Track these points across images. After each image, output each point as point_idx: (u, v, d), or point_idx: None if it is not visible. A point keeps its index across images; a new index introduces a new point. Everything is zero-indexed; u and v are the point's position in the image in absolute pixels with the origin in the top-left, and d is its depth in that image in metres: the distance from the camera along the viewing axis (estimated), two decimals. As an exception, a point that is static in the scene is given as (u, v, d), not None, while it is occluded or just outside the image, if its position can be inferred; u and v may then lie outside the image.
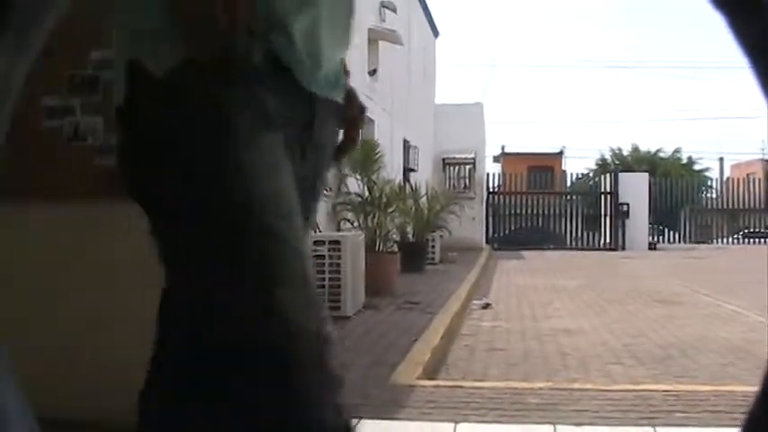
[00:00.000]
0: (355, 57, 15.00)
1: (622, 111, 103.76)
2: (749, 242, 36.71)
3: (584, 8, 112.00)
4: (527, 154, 48.91)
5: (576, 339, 9.18)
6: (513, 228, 33.57)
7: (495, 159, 47.87)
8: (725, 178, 48.64)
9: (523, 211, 33.71)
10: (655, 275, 18.29)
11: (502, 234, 32.64)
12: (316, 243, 9.49)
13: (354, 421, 4.80)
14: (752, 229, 38.20)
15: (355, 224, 12.92)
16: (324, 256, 9.33)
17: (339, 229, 12.72)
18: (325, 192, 9.48)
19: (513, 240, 30.96)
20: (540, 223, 34.10)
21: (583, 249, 30.81)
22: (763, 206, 38.30)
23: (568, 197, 35.40)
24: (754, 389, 4.74)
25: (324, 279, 9.27)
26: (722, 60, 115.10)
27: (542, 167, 45.25)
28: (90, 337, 4.53)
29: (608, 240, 31.20)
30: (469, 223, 25.37)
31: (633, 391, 5.73)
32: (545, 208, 34.11)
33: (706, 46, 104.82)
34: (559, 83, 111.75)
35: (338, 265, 9.31)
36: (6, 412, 0.75)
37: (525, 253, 26.54)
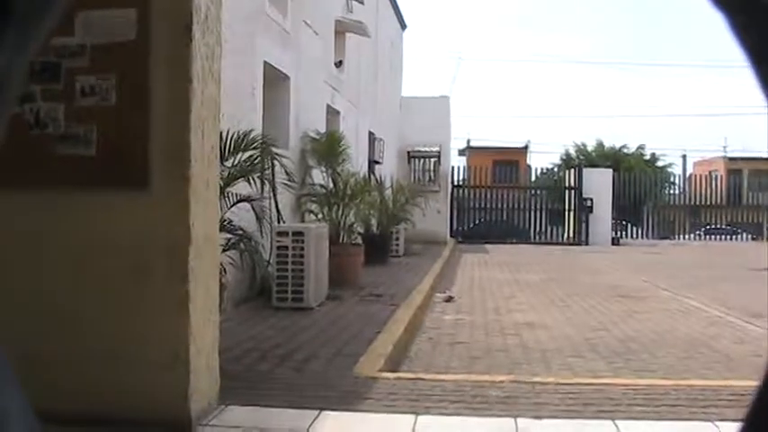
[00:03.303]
0: (322, 48, 14.95)
1: (588, 106, 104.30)
2: (710, 238, 37.05)
3: (552, 4, 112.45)
4: (492, 148, 49.06)
5: (538, 333, 9.21)
6: (477, 221, 33.63)
7: (461, 153, 48.03)
8: (687, 175, 49.06)
9: (488, 205, 33.77)
10: (617, 270, 18.42)
11: (466, 227, 32.71)
12: (279, 234, 9.47)
13: (316, 412, 4.80)
14: (713, 226, 38.57)
15: (319, 216, 12.89)
16: (287, 247, 9.30)
17: (303, 221, 12.69)
18: (290, 183, 9.41)
19: (478, 234, 31.03)
20: (505, 217, 34.19)
21: (546, 244, 30.92)
22: (724, 203, 38.69)
23: (533, 191, 35.55)
24: (712, 383, 4.78)
25: (287, 270, 9.25)
26: (689, 59, 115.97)
27: (507, 162, 45.45)
28: (47, 324, 4.49)
29: (571, 235, 31.35)
30: (434, 216, 25.41)
31: (593, 384, 5.76)
32: (509, 202, 34.21)
33: (674, 44, 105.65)
34: (525, 77, 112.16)
35: (301, 256, 9.28)
36: (6, 412, 0.74)
37: (489, 246, 26.63)
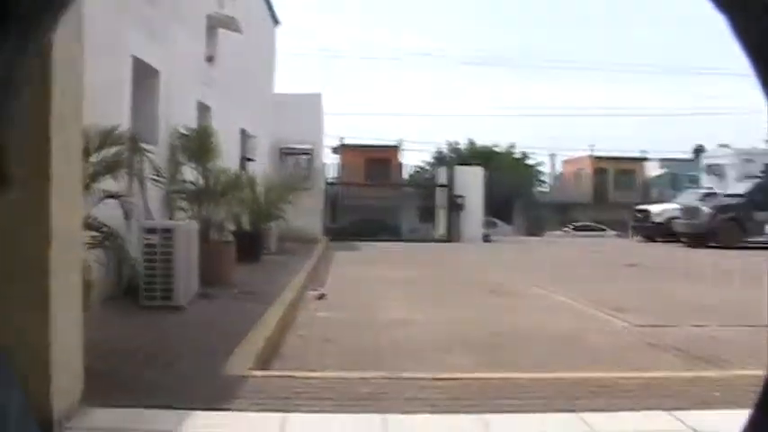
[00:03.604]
0: (193, 43, 14.75)
1: (460, 106, 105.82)
2: (578, 235, 38.08)
3: (425, 3, 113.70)
4: (365, 146, 49.18)
5: (409, 329, 9.28)
6: (350, 219, 33.76)
7: (334, 151, 48.00)
8: (556, 173, 50.28)
9: (361, 203, 33.95)
10: (488, 267, 18.72)
11: (339, 225, 32.79)
12: (148, 231, 9.30)
13: (184, 413, 4.73)
14: (580, 223, 39.66)
15: (190, 213, 12.70)
16: (156, 244, 9.14)
17: (173, 218, 12.48)
18: (159, 179, 9.28)
19: (351, 231, 31.14)
20: (378, 215, 34.42)
21: (419, 241, 31.23)
22: (591, 201, 39.82)
23: (405, 189, 35.89)
24: (579, 375, 4.88)
25: (155, 268, 9.09)
26: (559, 60, 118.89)
27: (380, 160, 45.67)
28: None
29: (443, 232, 31.74)
30: (307, 214, 25.37)
31: (463, 379, 5.84)
32: (382, 200, 34.50)
33: (544, 44, 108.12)
34: (398, 76, 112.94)
35: (170, 253, 9.12)
36: (6, 412, 0.71)
37: (362, 244, 26.73)
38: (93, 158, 7.86)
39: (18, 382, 0.73)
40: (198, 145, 13.43)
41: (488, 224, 34.42)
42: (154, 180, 10.24)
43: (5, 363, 0.76)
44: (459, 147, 56.02)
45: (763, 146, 50.69)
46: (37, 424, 0.80)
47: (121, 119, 9.90)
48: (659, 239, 31.00)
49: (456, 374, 6.12)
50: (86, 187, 6.75)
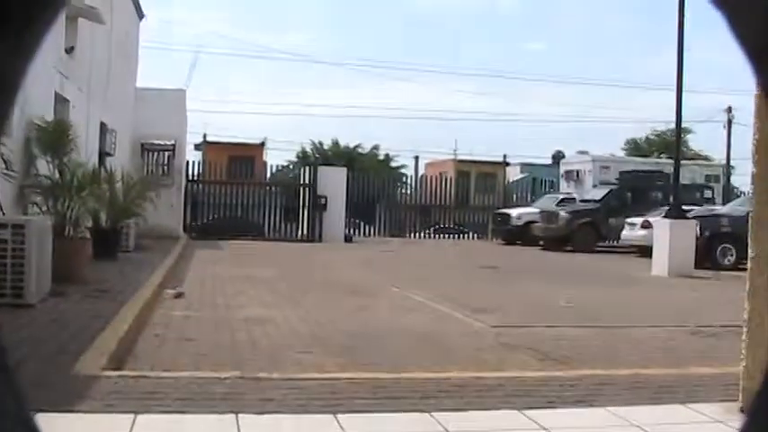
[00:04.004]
0: (51, 32, 14.31)
1: (326, 106, 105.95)
2: (439, 237, 38.58)
3: (290, 2, 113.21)
4: (229, 143, 48.74)
5: (267, 329, 9.25)
6: (212, 217, 33.36)
7: (197, 147, 47.39)
8: (419, 176, 50.83)
9: (223, 201, 33.57)
10: (348, 267, 18.80)
11: (201, 223, 32.37)
12: (-2, 226, 8.98)
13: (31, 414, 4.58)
14: (442, 225, 40.18)
15: (44, 208, 12.33)
16: (6, 240, 8.84)
17: (26, 213, 12.10)
18: (10, 173, 9.01)
19: (212, 229, 30.75)
20: (240, 213, 34.10)
21: (281, 240, 31.10)
22: (453, 203, 40.39)
23: (268, 188, 35.64)
24: (433, 375, 4.98)
25: (5, 265, 8.79)
26: (424, 63, 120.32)
27: (244, 157, 45.23)
28: None
29: (305, 232, 31.69)
30: (167, 211, 25.00)
31: (318, 379, 5.86)
32: (245, 198, 34.16)
33: (407, 48, 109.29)
34: (265, 73, 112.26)
35: (22, 250, 8.84)
36: (6, 412, 0.68)
37: (223, 242, 26.44)
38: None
39: (14, 377, 0.72)
40: (54, 138, 13.06)
41: (351, 224, 34.54)
42: (5, 173, 9.89)
43: (5, 363, 0.74)
44: (324, 147, 56.15)
45: (620, 153, 52.56)
46: (37, 424, 0.78)
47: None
48: (519, 242, 31.74)
49: (312, 374, 6.13)
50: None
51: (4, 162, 9.67)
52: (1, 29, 0.71)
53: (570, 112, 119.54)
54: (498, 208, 36.82)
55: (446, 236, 38.65)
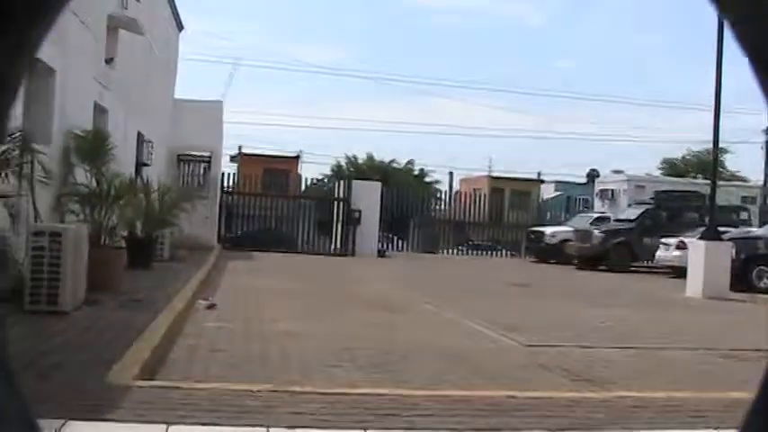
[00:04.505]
0: (92, 43, 14.48)
1: (361, 119, 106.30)
2: (473, 253, 38.50)
3: (329, 17, 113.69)
4: (264, 156, 48.97)
5: (299, 342, 9.25)
6: (246, 228, 33.48)
7: (232, 159, 47.64)
8: (454, 191, 50.76)
9: (257, 213, 33.69)
10: (381, 282, 18.77)
11: (234, 234, 32.48)
12: (36, 234, 9.07)
13: (61, 422, 4.61)
14: (475, 241, 40.09)
15: (81, 217, 12.43)
16: (43, 247, 8.91)
17: (64, 221, 12.20)
18: (49, 180, 9.04)
19: (246, 241, 30.85)
20: (274, 225, 34.20)
21: (314, 253, 31.12)
22: (486, 220, 40.28)
23: (302, 201, 35.71)
24: (467, 393, 4.92)
25: (42, 272, 8.86)
26: (458, 79, 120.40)
27: (278, 170, 45.45)
28: None
29: (339, 246, 31.69)
30: (202, 222, 25.10)
31: (350, 394, 5.84)
32: (279, 210, 34.25)
33: (443, 64, 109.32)
34: (301, 86, 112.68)
35: (58, 257, 8.91)
36: (6, 412, 0.68)
37: (257, 254, 26.54)
38: (-19, 157, 7.64)
39: (15, 379, 0.72)
40: (92, 147, 13.17)
41: (384, 239, 34.50)
42: (44, 181, 9.98)
43: (4, 363, 0.74)
44: (359, 161, 56.22)
45: (656, 173, 52.18)
46: (39, 426, 0.78)
47: (12, 116, 9.64)
48: (552, 261, 31.58)
49: (343, 389, 6.11)
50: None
51: (45, 170, 9.76)
52: (3, 27, 0.71)
53: (605, 130, 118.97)
54: (532, 226, 36.66)
55: (479, 252, 38.57)
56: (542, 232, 33.56)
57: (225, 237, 31.05)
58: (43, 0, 0.75)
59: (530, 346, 9.72)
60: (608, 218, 32.82)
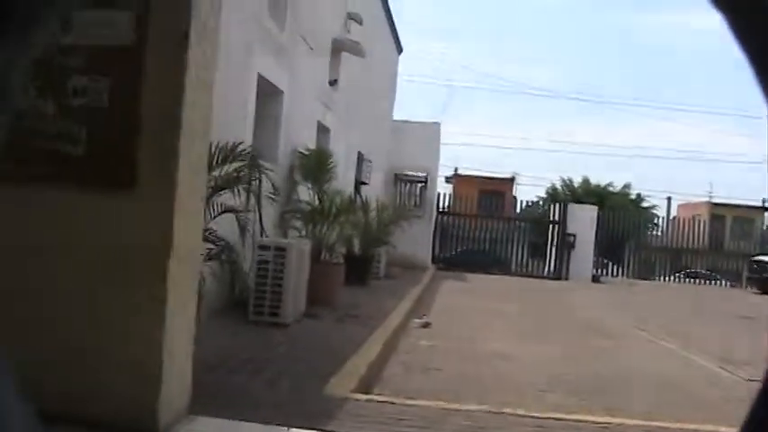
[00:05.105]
0: (317, 65, 14.98)
1: (577, 142, 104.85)
2: (690, 282, 37.21)
3: (547, 40, 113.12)
4: (479, 177, 49.14)
5: (511, 364, 9.21)
6: (459, 249, 33.66)
7: (448, 180, 48.11)
8: (671, 217, 49.27)
9: (471, 234, 33.83)
10: (595, 307, 18.42)
11: (448, 254, 32.72)
12: (261, 248, 9.45)
13: (284, 429, 4.78)
14: (693, 269, 38.72)
15: (303, 232, 12.86)
16: (268, 261, 9.29)
17: (286, 237, 12.67)
18: (275, 197, 9.33)
19: (459, 262, 31.03)
20: (487, 247, 34.23)
21: (527, 276, 30.94)
22: (705, 247, 38.86)
23: (517, 223, 35.58)
24: (683, 425, 4.77)
25: (266, 285, 9.23)
26: (677, 101, 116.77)
27: (493, 192, 45.57)
28: (18, 322, 4.46)
29: (552, 269, 31.38)
30: (417, 241, 25.44)
31: (564, 420, 5.76)
32: (493, 232, 34.26)
33: (664, 87, 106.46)
34: (517, 108, 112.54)
35: (282, 271, 9.26)
36: (7, 413, 0.74)
37: (469, 275, 26.64)
38: (216, 173, 8.04)
39: (16, 386, 0.75)
40: (315, 165, 13.61)
41: (599, 264, 33.86)
42: (270, 198, 10.40)
43: (5, 365, 0.77)
44: (574, 184, 55.47)
45: None
46: (38, 423, 0.81)
47: (245, 136, 10.12)
48: (776, 292, 30.05)
49: (557, 414, 6.03)
50: (207, 200, 6.91)
51: (273, 187, 10.16)
52: (3, 26, 0.72)
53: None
54: (755, 255, 35.01)
55: (697, 281, 37.21)
56: (766, 262, 31.99)
57: (439, 257, 31.33)
58: (44, 1, 0.76)
59: (752, 381, 9.28)
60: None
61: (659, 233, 42.76)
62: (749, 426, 0.75)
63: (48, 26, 0.76)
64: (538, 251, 33.45)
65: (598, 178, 57.25)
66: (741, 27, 0.71)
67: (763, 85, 0.70)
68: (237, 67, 10.00)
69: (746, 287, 34.19)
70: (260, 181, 9.90)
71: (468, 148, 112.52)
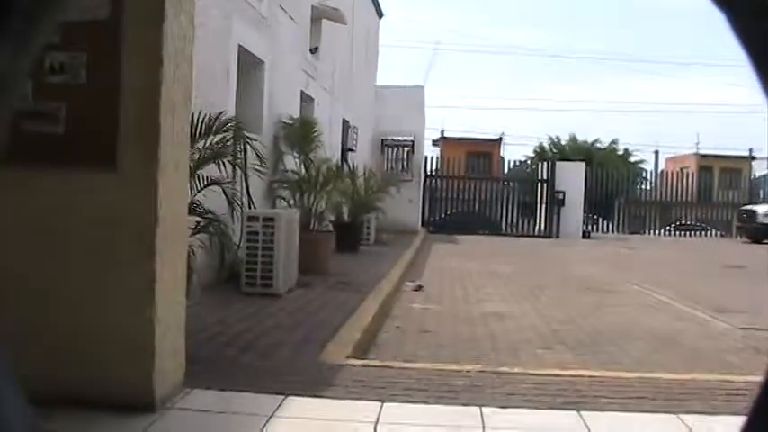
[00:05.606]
0: (297, 34, 14.88)
1: (562, 100, 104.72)
2: (680, 234, 37.29)
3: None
4: (466, 139, 48.98)
5: (506, 324, 9.23)
6: (449, 212, 33.62)
7: (434, 143, 47.96)
8: (659, 171, 49.31)
9: (460, 196, 33.77)
10: (586, 264, 18.46)
11: (438, 218, 32.69)
12: (250, 219, 9.42)
13: (281, 398, 4.78)
14: (683, 222, 38.79)
15: (291, 202, 12.84)
16: (257, 232, 9.26)
17: (274, 207, 12.64)
18: (262, 168, 9.32)
19: (449, 224, 31.00)
20: (477, 208, 34.17)
21: (518, 236, 30.98)
22: (694, 199, 38.92)
23: (505, 183, 35.51)
24: (678, 376, 4.76)
25: (256, 256, 9.20)
26: (662, 55, 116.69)
27: (481, 153, 45.50)
28: (9, 300, 4.43)
29: (542, 228, 31.42)
30: (406, 206, 25.45)
31: (560, 375, 5.77)
32: (482, 193, 34.20)
33: (648, 41, 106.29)
34: (500, 69, 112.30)
35: (272, 242, 9.23)
36: (7, 413, 0.72)
37: (460, 237, 26.65)
38: (200, 145, 8.00)
39: (16, 382, 0.73)
40: (300, 134, 13.57)
41: (588, 221, 33.89)
42: (256, 169, 10.36)
43: (5, 365, 0.75)
44: (561, 142, 55.42)
45: None
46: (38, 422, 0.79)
47: (227, 106, 10.06)
48: (765, 241, 30.13)
49: (554, 371, 6.05)
50: (192, 173, 6.87)
51: (258, 158, 10.12)
52: (3, 25, 0.70)
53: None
54: (743, 204, 35.05)
55: (687, 233, 37.30)
56: (755, 211, 32.02)
57: (429, 220, 31.33)
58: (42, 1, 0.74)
59: (745, 329, 9.32)
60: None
61: (648, 187, 42.77)
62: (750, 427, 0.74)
63: (48, 26, 0.74)
64: (527, 210, 33.46)
65: (585, 135, 57.28)
66: (738, 21, 0.69)
67: (761, 79, 0.69)
68: (218, 38, 9.92)
69: (736, 237, 34.29)
70: (245, 151, 9.87)
71: (454, 111, 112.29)
